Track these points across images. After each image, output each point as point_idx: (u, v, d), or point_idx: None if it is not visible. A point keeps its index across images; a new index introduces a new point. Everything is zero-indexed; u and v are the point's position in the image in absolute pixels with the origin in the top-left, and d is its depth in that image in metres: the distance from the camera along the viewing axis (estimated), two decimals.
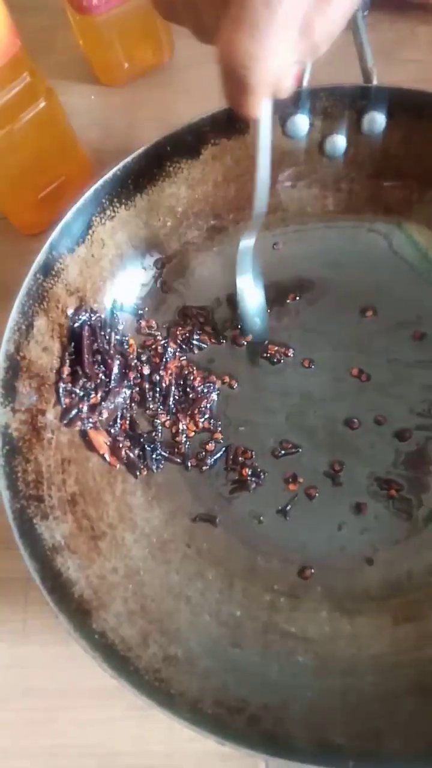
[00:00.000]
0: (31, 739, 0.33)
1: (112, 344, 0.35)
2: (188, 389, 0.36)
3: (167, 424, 0.36)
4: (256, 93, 0.24)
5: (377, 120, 0.34)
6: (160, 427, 0.35)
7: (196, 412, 0.36)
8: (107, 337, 0.35)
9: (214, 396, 0.36)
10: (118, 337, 0.36)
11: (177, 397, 0.36)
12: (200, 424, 0.36)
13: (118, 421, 0.35)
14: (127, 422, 0.35)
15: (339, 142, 0.36)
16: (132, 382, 0.35)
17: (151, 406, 0.35)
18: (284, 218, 0.38)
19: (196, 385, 0.36)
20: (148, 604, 0.30)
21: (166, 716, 0.24)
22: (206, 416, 0.36)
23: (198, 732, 0.24)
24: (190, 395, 0.36)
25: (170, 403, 0.36)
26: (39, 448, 0.31)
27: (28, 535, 0.28)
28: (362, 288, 0.37)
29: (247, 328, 0.37)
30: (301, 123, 0.35)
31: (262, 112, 0.26)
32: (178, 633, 0.30)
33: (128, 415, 0.35)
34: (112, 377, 0.35)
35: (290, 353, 0.37)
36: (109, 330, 0.35)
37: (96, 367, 0.34)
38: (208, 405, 0.36)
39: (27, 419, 0.31)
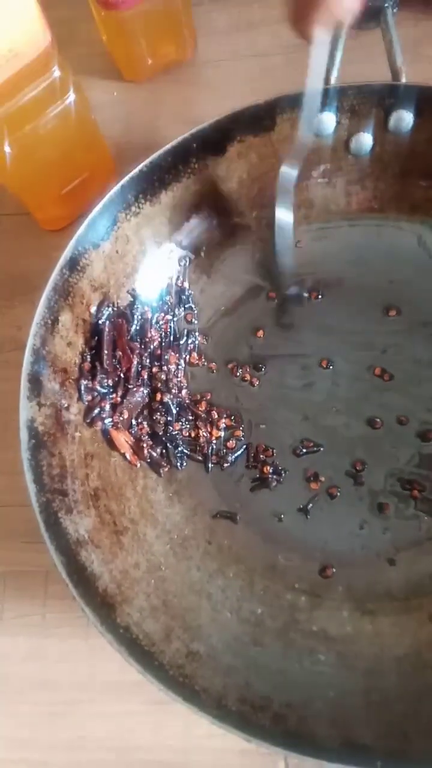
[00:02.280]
0: (48, 732, 0.33)
1: (133, 340, 0.35)
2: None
3: (184, 432, 0.36)
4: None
5: (405, 118, 0.34)
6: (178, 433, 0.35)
7: (216, 418, 0.36)
8: (128, 333, 0.35)
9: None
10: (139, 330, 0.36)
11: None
12: (221, 429, 0.36)
13: (134, 423, 0.35)
14: (146, 425, 0.35)
15: (365, 140, 0.36)
16: (149, 383, 0.35)
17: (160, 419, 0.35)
18: (308, 216, 0.38)
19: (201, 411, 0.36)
20: (170, 600, 0.30)
21: (192, 712, 0.24)
22: (226, 414, 0.36)
23: (223, 728, 0.24)
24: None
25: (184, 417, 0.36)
26: (63, 443, 0.31)
27: (54, 529, 0.28)
28: (386, 287, 0.37)
29: (279, 262, 0.36)
30: (328, 121, 0.35)
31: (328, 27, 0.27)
32: (200, 629, 0.30)
33: (144, 423, 0.35)
34: (131, 375, 0.35)
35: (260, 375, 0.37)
36: (131, 325, 0.35)
37: (114, 363, 0.34)
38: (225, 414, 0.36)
39: (52, 414, 0.31)
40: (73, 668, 0.34)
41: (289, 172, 0.33)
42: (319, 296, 0.38)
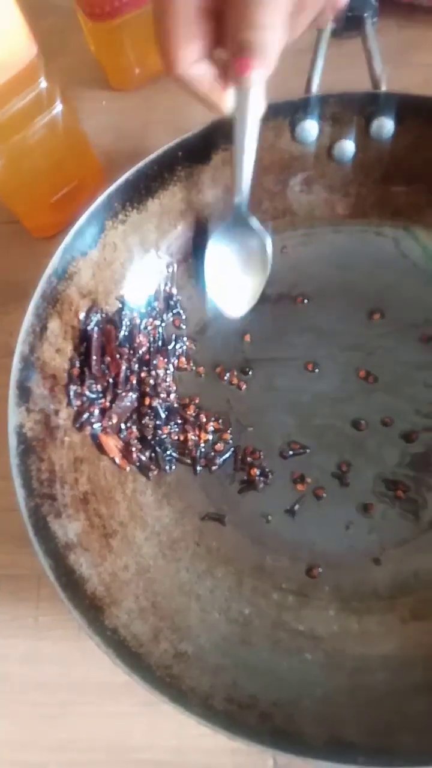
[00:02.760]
0: (43, 733, 0.33)
1: (121, 346, 0.35)
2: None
3: (173, 435, 0.36)
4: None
5: (386, 125, 0.35)
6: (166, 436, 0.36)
7: (204, 421, 0.36)
8: (117, 339, 0.36)
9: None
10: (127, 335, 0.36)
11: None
12: (209, 432, 0.36)
13: (123, 428, 0.35)
14: (135, 429, 0.35)
15: (348, 147, 0.36)
16: (138, 388, 0.36)
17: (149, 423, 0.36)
18: (293, 222, 0.39)
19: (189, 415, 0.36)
20: (159, 601, 0.31)
21: (178, 712, 0.25)
22: (214, 418, 0.36)
23: (209, 727, 0.24)
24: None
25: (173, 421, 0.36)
26: (52, 448, 0.32)
27: (42, 533, 0.28)
28: (370, 291, 0.38)
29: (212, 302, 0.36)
30: (311, 128, 0.35)
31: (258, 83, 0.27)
32: (188, 630, 0.30)
33: (133, 427, 0.35)
34: (120, 380, 0.35)
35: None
36: (119, 331, 0.36)
37: (103, 368, 0.34)
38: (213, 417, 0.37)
39: (40, 419, 0.32)
40: (66, 670, 0.34)
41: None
42: (305, 300, 0.38)
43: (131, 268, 0.37)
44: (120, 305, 0.37)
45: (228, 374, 0.38)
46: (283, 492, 0.35)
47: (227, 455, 0.36)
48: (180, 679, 0.27)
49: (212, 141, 0.35)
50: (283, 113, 0.35)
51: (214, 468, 0.36)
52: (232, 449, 0.36)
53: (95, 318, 0.36)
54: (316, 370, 0.37)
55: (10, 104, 0.34)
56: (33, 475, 0.30)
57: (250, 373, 0.38)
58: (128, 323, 0.37)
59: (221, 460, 0.36)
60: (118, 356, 0.35)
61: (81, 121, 0.40)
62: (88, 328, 0.35)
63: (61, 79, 0.37)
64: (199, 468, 0.35)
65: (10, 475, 0.31)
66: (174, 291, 0.39)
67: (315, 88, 0.34)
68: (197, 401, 0.37)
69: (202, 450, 0.36)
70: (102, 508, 0.33)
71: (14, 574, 0.35)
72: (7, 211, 0.44)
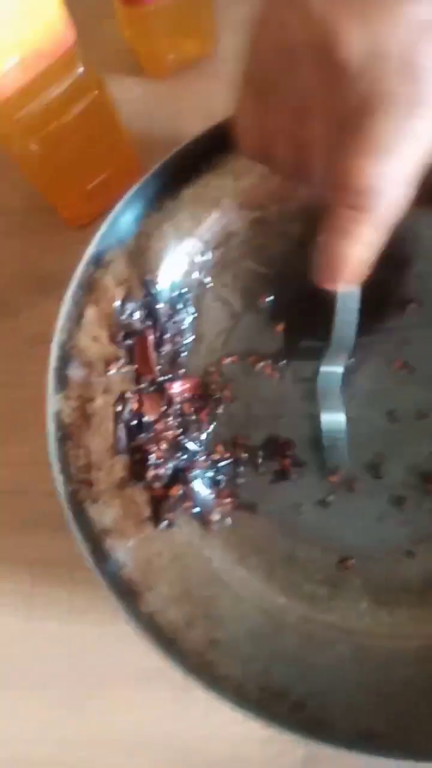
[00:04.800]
0: (75, 716, 0.34)
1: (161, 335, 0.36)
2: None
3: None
4: (376, 229, 0.23)
5: None
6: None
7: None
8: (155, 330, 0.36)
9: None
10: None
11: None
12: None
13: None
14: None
15: None
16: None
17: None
18: None
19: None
20: (192, 589, 0.31)
21: (213, 698, 0.25)
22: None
23: (244, 715, 0.25)
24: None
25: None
26: (88, 435, 0.32)
27: (80, 518, 0.29)
28: (408, 279, 0.37)
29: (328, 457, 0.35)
30: None
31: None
32: (220, 618, 0.30)
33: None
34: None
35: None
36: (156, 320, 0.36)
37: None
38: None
39: (77, 406, 0.32)
40: (99, 654, 0.35)
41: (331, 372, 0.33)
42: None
43: (166, 256, 0.37)
44: (154, 294, 0.37)
45: (261, 364, 0.37)
46: (316, 483, 0.35)
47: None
48: (213, 666, 0.27)
49: None
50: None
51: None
52: (265, 439, 0.36)
53: (130, 307, 0.36)
54: (351, 360, 0.37)
55: (47, 92, 0.34)
56: (70, 461, 0.30)
57: (284, 362, 0.37)
58: (163, 313, 0.37)
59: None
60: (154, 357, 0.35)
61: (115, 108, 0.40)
62: (123, 317, 0.36)
63: (96, 67, 0.37)
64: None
65: (42, 462, 0.32)
66: (207, 279, 0.38)
67: None
68: (230, 389, 0.37)
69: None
70: (137, 496, 0.33)
71: (50, 557, 0.36)
72: (40, 199, 0.44)
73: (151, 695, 0.34)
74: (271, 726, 0.25)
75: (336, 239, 0.24)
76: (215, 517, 0.33)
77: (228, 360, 0.38)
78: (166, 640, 0.27)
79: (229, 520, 0.33)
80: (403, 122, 0.20)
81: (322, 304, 0.38)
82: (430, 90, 0.20)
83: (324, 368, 0.35)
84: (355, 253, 0.24)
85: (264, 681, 0.27)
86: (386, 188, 0.22)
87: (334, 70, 0.20)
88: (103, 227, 0.33)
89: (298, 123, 0.23)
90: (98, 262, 0.33)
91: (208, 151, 0.35)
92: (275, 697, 0.27)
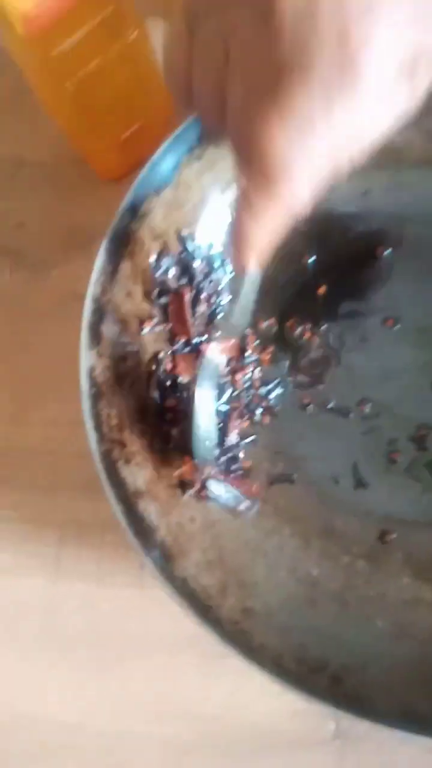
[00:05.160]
0: (99, 681, 0.34)
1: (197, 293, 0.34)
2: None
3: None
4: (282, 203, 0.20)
5: None
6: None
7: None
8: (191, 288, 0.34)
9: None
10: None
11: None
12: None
13: None
14: None
15: None
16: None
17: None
18: (379, 162, 0.35)
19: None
20: (225, 556, 0.30)
21: (251, 668, 0.24)
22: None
23: (283, 686, 0.24)
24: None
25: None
26: (121, 394, 0.31)
27: (113, 478, 0.28)
28: None
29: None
30: None
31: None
32: (255, 587, 0.29)
33: None
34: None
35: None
36: (192, 279, 0.34)
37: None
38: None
39: (110, 364, 0.31)
40: (125, 618, 0.34)
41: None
42: (386, 251, 0.36)
43: (204, 210, 0.35)
44: (191, 250, 0.35)
45: (300, 328, 0.36)
46: (354, 451, 0.33)
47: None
48: (250, 635, 0.26)
49: None
50: None
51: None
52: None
53: (166, 263, 0.34)
54: (397, 326, 0.35)
55: (83, 28, 0.32)
56: (103, 420, 0.29)
57: (324, 326, 0.35)
58: (200, 271, 0.35)
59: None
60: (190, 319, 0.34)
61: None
62: (158, 273, 0.34)
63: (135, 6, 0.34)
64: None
65: (73, 422, 0.31)
66: None
67: None
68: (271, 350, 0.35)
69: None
70: (169, 457, 0.32)
71: (79, 519, 0.35)
72: (71, 152, 0.42)
73: (178, 663, 0.33)
74: (311, 699, 0.24)
75: (241, 213, 0.22)
76: (245, 505, 0.32)
77: (266, 323, 0.36)
78: (201, 606, 0.26)
79: (257, 508, 0.32)
80: (322, 102, 0.18)
81: (366, 266, 0.36)
82: (360, 73, 0.17)
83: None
84: (257, 232, 0.22)
85: (301, 653, 0.26)
86: (293, 166, 0.19)
87: (266, 21, 0.18)
88: (142, 174, 0.31)
89: (219, 71, 0.20)
90: (135, 212, 0.32)
91: None
92: (313, 671, 0.25)
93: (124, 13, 0.32)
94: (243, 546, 0.31)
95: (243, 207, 0.22)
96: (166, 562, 0.27)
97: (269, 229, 0.22)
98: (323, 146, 0.19)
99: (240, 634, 0.26)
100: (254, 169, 0.20)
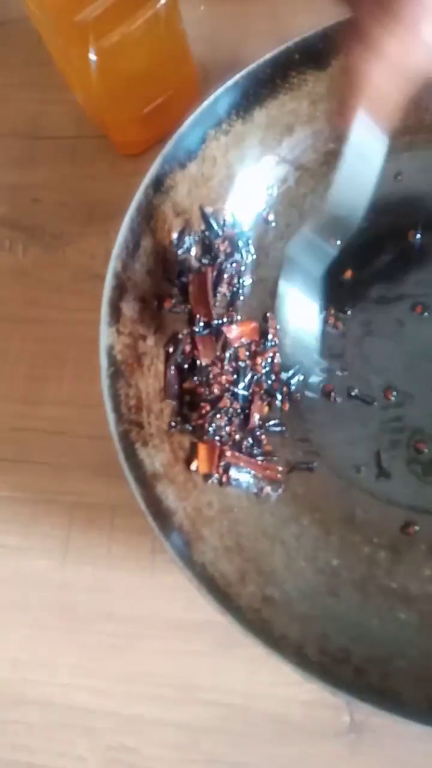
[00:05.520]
0: (110, 663, 0.33)
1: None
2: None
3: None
4: None
5: None
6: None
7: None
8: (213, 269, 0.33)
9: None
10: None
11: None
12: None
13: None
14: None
15: None
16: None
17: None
18: (411, 143, 0.34)
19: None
20: (243, 542, 0.29)
21: (273, 658, 0.23)
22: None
23: (306, 678, 0.23)
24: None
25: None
26: (139, 374, 0.30)
27: (132, 460, 0.27)
28: None
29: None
30: None
31: None
32: (274, 575, 0.28)
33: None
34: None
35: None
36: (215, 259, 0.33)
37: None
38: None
39: (129, 343, 0.30)
40: (136, 603, 0.33)
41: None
42: (418, 235, 0.34)
43: (230, 187, 0.34)
44: (214, 229, 0.34)
45: (324, 312, 0.34)
46: (378, 438, 0.32)
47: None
48: (271, 624, 0.25)
49: (333, 44, 0.31)
50: None
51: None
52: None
53: (188, 241, 0.33)
54: (425, 314, 0.33)
55: None
56: (122, 401, 0.28)
57: (349, 312, 0.34)
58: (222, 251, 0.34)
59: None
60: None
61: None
62: (180, 252, 0.33)
63: None
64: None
65: (90, 403, 0.30)
66: (271, 217, 0.35)
67: None
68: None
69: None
70: (185, 441, 0.31)
71: (89, 502, 0.34)
72: (93, 124, 0.41)
73: (189, 649, 0.32)
74: (335, 691, 0.23)
75: (361, 54, 0.21)
76: (267, 490, 0.31)
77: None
78: (221, 593, 0.25)
79: (280, 492, 0.31)
80: None
81: (396, 250, 0.35)
82: None
83: (309, 233, 0.29)
84: (381, 74, 0.21)
85: (323, 644, 0.25)
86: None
87: None
88: (168, 145, 0.30)
89: None
90: (159, 186, 0.31)
91: (288, 68, 0.31)
92: (337, 662, 0.25)
93: None
94: (261, 533, 0.30)
95: (363, 49, 0.21)
96: (184, 546, 0.26)
97: (393, 75, 0.21)
98: None
99: (261, 623, 0.25)
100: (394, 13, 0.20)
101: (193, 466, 0.30)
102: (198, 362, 0.32)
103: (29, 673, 0.33)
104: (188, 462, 0.30)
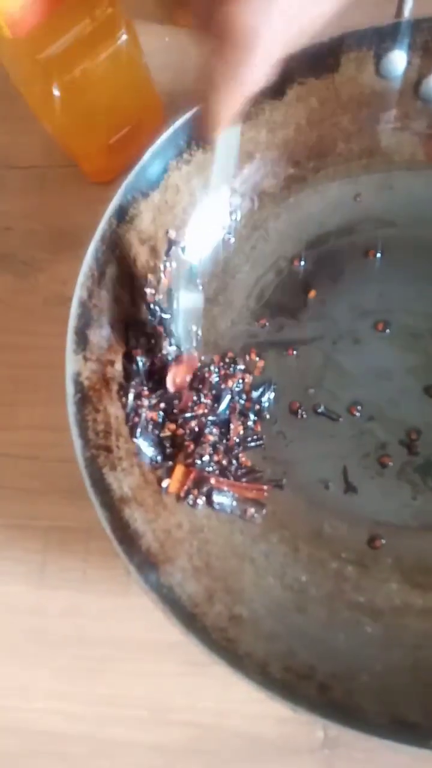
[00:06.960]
0: (85, 687, 0.33)
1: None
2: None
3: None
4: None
5: None
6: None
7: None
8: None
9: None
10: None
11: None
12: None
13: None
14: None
15: None
16: None
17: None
18: (368, 166, 0.36)
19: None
20: (213, 562, 0.30)
21: (236, 677, 0.24)
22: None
23: (269, 696, 0.23)
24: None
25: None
26: (108, 399, 0.31)
27: (98, 485, 0.27)
28: None
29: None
30: (398, 60, 0.32)
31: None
32: (242, 593, 0.29)
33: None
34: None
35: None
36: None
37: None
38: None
39: (97, 369, 0.30)
40: (110, 625, 0.34)
41: None
42: (378, 254, 0.35)
43: (193, 214, 0.35)
44: (180, 254, 0.35)
45: (290, 332, 0.35)
46: (345, 455, 0.33)
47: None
48: (236, 643, 0.26)
49: (288, 74, 0.32)
50: (368, 42, 0.31)
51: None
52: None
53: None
54: (387, 331, 0.34)
55: (71, 31, 0.32)
56: (89, 426, 0.29)
57: (314, 331, 0.35)
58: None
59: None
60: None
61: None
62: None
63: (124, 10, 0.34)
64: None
65: (62, 427, 0.30)
66: (233, 241, 0.36)
67: (407, 12, 0.31)
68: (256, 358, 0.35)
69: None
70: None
71: (64, 526, 0.35)
72: (63, 153, 0.42)
73: (161, 670, 0.33)
74: (297, 708, 0.23)
75: (211, 82, 0.24)
76: (251, 511, 0.32)
77: (256, 325, 0.36)
78: (186, 614, 0.26)
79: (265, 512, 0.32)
80: None
81: (357, 270, 0.36)
82: None
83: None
84: (226, 97, 0.24)
85: (289, 661, 0.26)
86: (257, 33, 0.21)
87: None
88: (130, 177, 0.31)
89: None
90: (122, 215, 0.31)
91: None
92: (301, 679, 0.25)
93: (113, 16, 0.32)
94: (230, 552, 0.31)
95: (211, 78, 0.24)
96: (151, 569, 0.27)
97: (236, 96, 0.24)
98: (281, 18, 0.21)
99: (226, 642, 0.25)
100: (225, 40, 0.22)
101: (164, 483, 0.31)
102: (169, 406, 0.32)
103: (3, 695, 0.33)
104: (160, 481, 0.31)
